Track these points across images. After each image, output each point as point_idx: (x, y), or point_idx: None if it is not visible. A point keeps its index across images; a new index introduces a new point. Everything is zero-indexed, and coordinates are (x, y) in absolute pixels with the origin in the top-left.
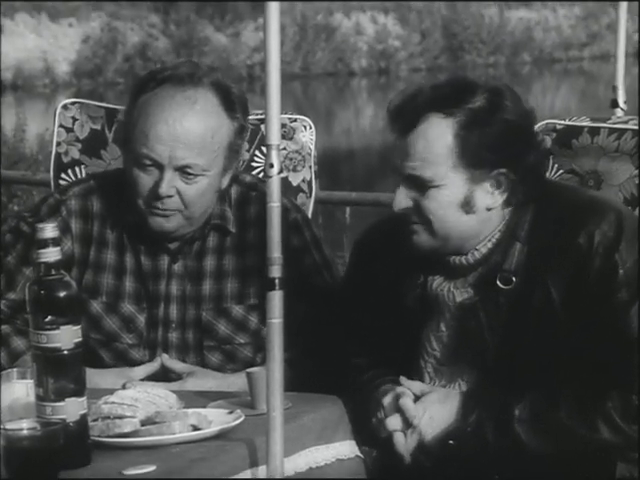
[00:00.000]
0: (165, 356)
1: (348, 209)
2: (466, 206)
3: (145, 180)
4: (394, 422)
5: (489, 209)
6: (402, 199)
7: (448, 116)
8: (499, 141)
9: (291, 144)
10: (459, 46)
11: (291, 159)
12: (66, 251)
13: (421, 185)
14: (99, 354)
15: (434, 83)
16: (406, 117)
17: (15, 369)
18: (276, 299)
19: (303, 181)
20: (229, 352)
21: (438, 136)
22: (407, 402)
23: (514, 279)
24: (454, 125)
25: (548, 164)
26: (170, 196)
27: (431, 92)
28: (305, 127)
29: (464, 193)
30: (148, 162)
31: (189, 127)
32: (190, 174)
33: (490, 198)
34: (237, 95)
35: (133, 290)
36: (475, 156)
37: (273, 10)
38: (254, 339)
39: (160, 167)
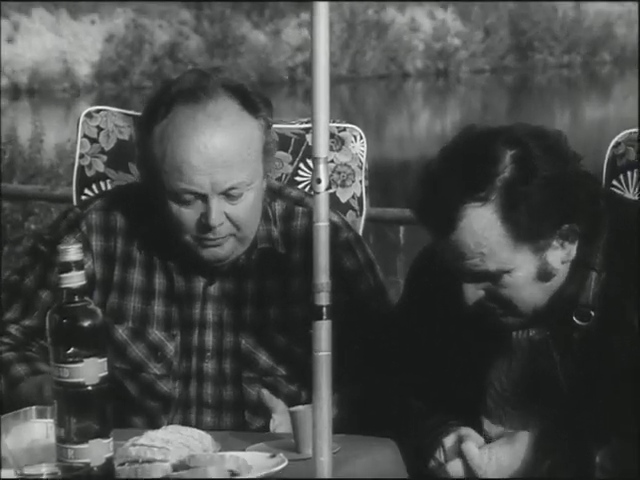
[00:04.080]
0: (266, 392)
1: (402, 228)
2: (544, 275)
3: (189, 215)
4: (455, 468)
5: (565, 262)
6: (472, 291)
7: (485, 202)
8: (548, 203)
9: (340, 156)
10: (528, 44)
11: (339, 173)
12: (86, 270)
13: (489, 277)
14: (124, 386)
15: (445, 155)
16: (439, 218)
17: (34, 407)
18: (323, 329)
19: (353, 197)
20: (271, 385)
21: (486, 227)
22: (471, 448)
23: (592, 313)
24: (496, 210)
25: (605, 188)
26: (221, 223)
27: (451, 179)
28: (355, 137)
29: (537, 265)
30: (188, 196)
31: (223, 147)
32: (236, 193)
33: (562, 252)
34: (253, 91)
35: (162, 315)
36: (532, 229)
37: (322, 9)
38: (299, 372)
39: (203, 197)
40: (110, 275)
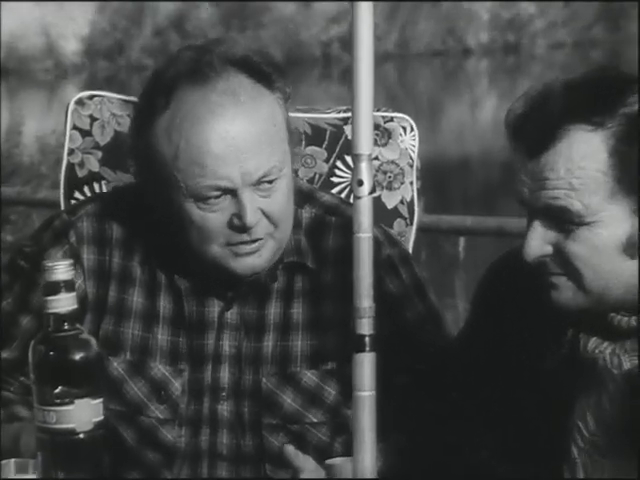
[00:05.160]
0: (290, 448)
1: (462, 240)
2: (631, 249)
3: (216, 219)
4: None
5: None
6: (538, 243)
7: (598, 127)
8: None
9: (386, 152)
10: (621, 11)
11: (385, 173)
12: (76, 290)
13: (566, 222)
14: (119, 432)
15: (569, 80)
16: (536, 132)
17: (12, 460)
18: (366, 364)
19: (402, 202)
20: (297, 434)
21: (587, 155)
22: None
23: None
24: (608, 139)
25: None
26: (257, 221)
27: (568, 95)
28: (405, 129)
29: (628, 231)
30: (214, 194)
31: (248, 128)
32: (268, 182)
33: None
34: (263, 60)
35: (167, 345)
36: None
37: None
38: (332, 417)
39: (231, 192)
40: (104, 296)
